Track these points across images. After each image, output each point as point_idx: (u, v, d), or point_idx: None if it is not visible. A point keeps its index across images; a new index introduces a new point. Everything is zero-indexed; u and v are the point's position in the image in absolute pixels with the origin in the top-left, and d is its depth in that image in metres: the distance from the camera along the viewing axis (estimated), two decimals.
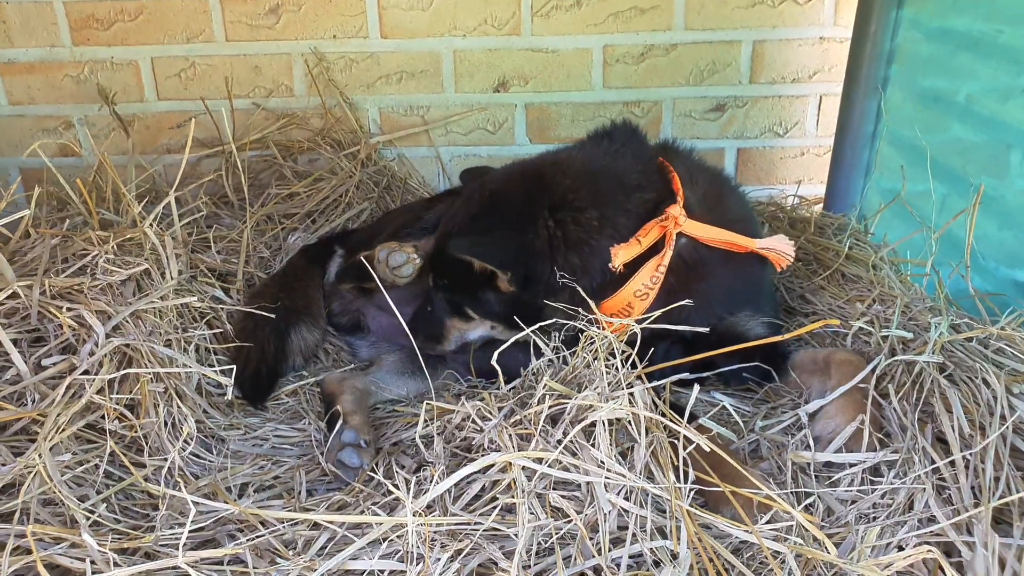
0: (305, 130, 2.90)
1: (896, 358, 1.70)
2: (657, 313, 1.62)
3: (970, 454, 1.41)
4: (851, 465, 1.53)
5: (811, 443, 1.59)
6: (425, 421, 1.62)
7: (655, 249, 1.82)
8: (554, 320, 1.67)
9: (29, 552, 1.31)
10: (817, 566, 1.28)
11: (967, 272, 1.95)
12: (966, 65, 2.27)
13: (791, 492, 1.50)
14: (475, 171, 2.29)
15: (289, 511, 1.47)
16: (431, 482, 1.48)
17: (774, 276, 2.17)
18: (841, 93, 2.74)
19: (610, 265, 1.78)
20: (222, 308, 2.06)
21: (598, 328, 1.61)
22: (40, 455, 1.40)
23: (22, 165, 2.96)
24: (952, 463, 1.43)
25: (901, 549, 1.31)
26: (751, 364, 1.85)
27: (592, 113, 2.94)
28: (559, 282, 1.80)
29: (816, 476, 1.56)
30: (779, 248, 1.90)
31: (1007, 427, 1.43)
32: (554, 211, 1.83)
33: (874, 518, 1.41)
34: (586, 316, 1.69)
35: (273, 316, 2.03)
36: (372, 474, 1.59)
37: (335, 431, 1.74)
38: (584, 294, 1.72)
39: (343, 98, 2.90)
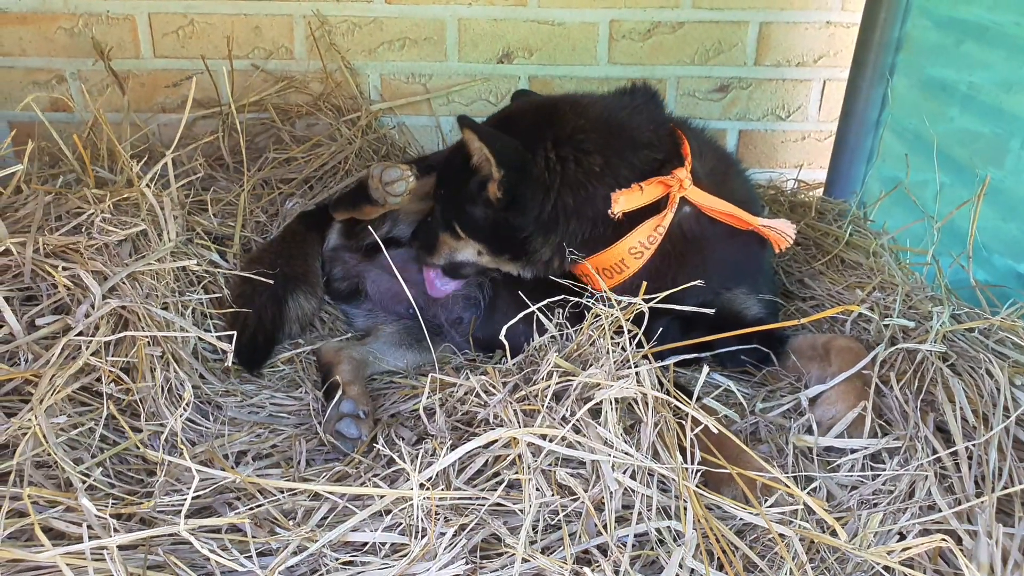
0: (304, 94, 2.84)
1: (898, 346, 1.71)
2: (665, 293, 1.60)
3: (973, 444, 1.42)
4: (852, 451, 1.54)
5: (814, 427, 1.59)
6: (426, 394, 1.61)
7: (656, 208, 1.80)
8: (563, 296, 1.65)
9: (23, 515, 1.29)
10: (821, 550, 1.28)
11: (969, 262, 1.95)
12: (974, 55, 2.26)
13: (792, 476, 1.51)
14: (527, 93, 2.28)
15: (289, 481, 1.46)
16: (432, 455, 1.47)
17: (773, 258, 2.16)
18: (847, 79, 2.72)
19: (610, 211, 1.75)
20: (220, 272, 2.02)
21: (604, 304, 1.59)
22: (35, 416, 1.37)
23: (11, 119, 2.88)
24: (954, 452, 1.44)
25: (902, 536, 1.32)
26: (749, 346, 1.83)
27: (596, 88, 2.90)
28: (552, 219, 1.79)
29: (816, 460, 1.56)
30: (780, 228, 1.89)
31: (1011, 419, 1.43)
32: (558, 145, 1.80)
33: (875, 504, 1.42)
34: (592, 291, 1.68)
35: (271, 282, 2.00)
36: (375, 444, 1.57)
37: (334, 401, 1.72)
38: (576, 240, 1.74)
39: (344, 63, 2.85)
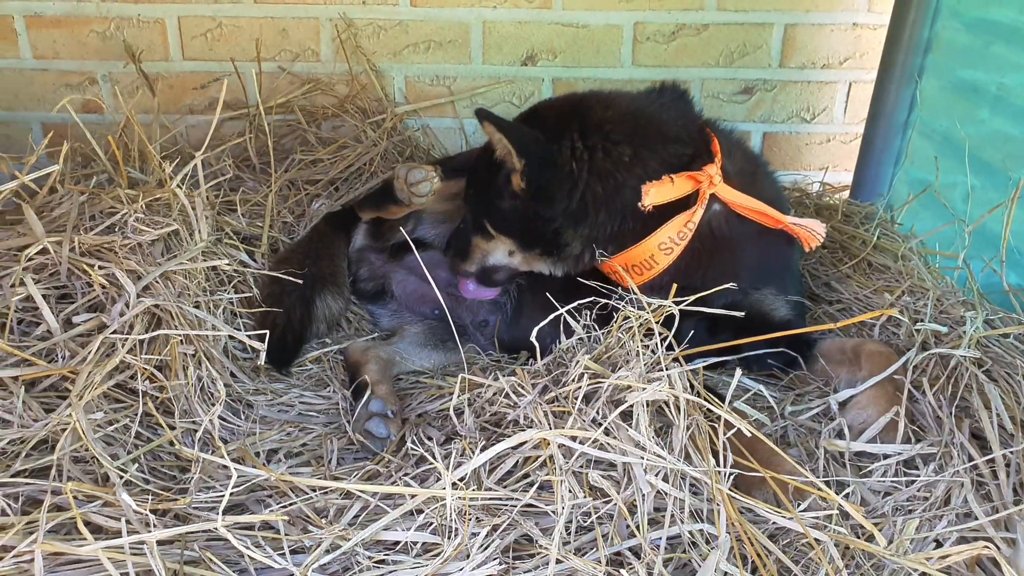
0: (330, 96, 2.86)
1: (931, 351, 1.69)
2: (696, 296, 1.60)
3: (1011, 451, 1.40)
4: (885, 456, 1.53)
5: (845, 431, 1.58)
6: (456, 394, 1.61)
7: (686, 204, 1.79)
8: (592, 298, 1.65)
9: (61, 509, 1.31)
10: (856, 556, 1.28)
11: (1002, 266, 1.93)
12: (1005, 56, 2.24)
13: (824, 480, 1.50)
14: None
15: (321, 479, 1.46)
16: (462, 455, 1.47)
17: (800, 259, 2.15)
18: (875, 80, 2.70)
19: (640, 204, 1.74)
20: (249, 272, 2.04)
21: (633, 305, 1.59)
22: (74, 412, 1.39)
23: (44, 120, 2.92)
24: (991, 459, 1.43)
25: (939, 543, 1.31)
26: (777, 350, 1.82)
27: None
28: (581, 210, 1.79)
29: (847, 465, 1.55)
30: (810, 226, 1.88)
31: None
32: (585, 134, 1.80)
33: (910, 511, 1.41)
34: (620, 292, 1.68)
35: (300, 282, 2.01)
36: (411, 445, 1.58)
37: (363, 401, 1.73)
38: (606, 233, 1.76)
39: (370, 65, 2.86)
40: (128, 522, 1.24)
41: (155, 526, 1.23)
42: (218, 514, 1.22)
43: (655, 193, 1.74)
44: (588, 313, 1.69)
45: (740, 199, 1.82)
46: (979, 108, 2.35)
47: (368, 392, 1.75)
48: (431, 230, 2.24)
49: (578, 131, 1.80)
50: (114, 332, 1.58)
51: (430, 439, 1.64)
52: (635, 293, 1.64)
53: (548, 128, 1.82)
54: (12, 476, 1.37)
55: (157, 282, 1.71)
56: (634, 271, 1.84)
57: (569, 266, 1.90)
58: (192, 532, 1.25)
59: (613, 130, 1.81)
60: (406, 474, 1.52)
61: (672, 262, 1.82)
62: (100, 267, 1.67)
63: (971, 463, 1.43)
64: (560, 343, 1.67)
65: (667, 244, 1.80)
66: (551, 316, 1.61)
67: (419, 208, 2.12)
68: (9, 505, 1.31)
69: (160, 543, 1.23)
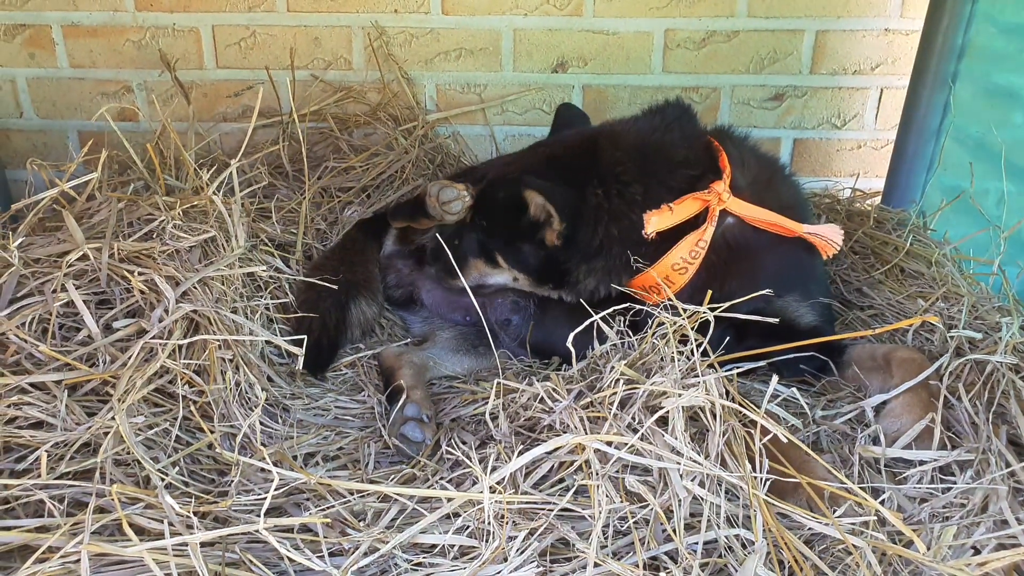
0: (362, 104, 2.89)
1: (966, 357, 1.68)
2: (730, 303, 1.60)
3: None
4: (921, 463, 1.52)
5: (881, 437, 1.57)
6: (492, 399, 1.62)
7: (696, 223, 1.80)
8: (627, 304, 1.66)
9: (104, 511, 1.33)
10: (894, 562, 1.27)
11: None
12: None
13: (859, 487, 1.49)
14: (571, 107, 2.32)
15: (359, 482, 1.48)
16: (497, 459, 1.48)
17: (827, 266, 2.14)
18: (907, 86, 2.69)
19: (643, 232, 1.76)
20: (284, 278, 2.07)
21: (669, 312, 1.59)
22: (117, 416, 1.41)
23: (80, 128, 2.98)
24: None
25: (976, 551, 1.30)
26: (807, 355, 1.82)
27: (650, 97, 2.91)
28: (597, 248, 1.82)
29: (883, 472, 1.54)
30: (827, 235, 1.88)
31: None
32: (603, 182, 1.83)
33: (947, 518, 1.39)
34: (646, 291, 1.68)
35: (335, 288, 2.03)
36: (446, 449, 1.59)
37: (398, 405, 1.75)
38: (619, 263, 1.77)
39: (401, 73, 2.89)
40: (171, 524, 1.26)
41: (197, 528, 1.25)
42: (259, 516, 1.24)
43: (657, 222, 1.76)
44: (622, 319, 1.69)
45: (752, 212, 1.83)
46: (1014, 112, 2.33)
47: (403, 397, 1.77)
48: None
49: (597, 178, 1.83)
50: (154, 337, 1.60)
51: (465, 443, 1.65)
52: (671, 298, 1.65)
53: (568, 178, 1.85)
54: (57, 478, 1.39)
55: (195, 288, 1.74)
56: (651, 291, 1.85)
57: (583, 297, 1.90)
58: (234, 534, 1.27)
59: (624, 171, 1.83)
60: (442, 478, 1.54)
61: (689, 280, 1.84)
62: (140, 273, 1.70)
63: (1008, 469, 1.41)
64: (593, 349, 1.67)
65: (680, 264, 1.82)
66: (585, 324, 1.61)
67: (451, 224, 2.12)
68: (55, 506, 1.33)
69: (202, 545, 1.24)
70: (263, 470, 1.48)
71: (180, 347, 1.64)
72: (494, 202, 1.94)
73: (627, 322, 1.70)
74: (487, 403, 1.62)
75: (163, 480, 1.39)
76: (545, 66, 2.90)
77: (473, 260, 2.02)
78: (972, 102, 2.50)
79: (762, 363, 1.83)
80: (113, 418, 1.41)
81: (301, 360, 1.72)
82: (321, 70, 2.91)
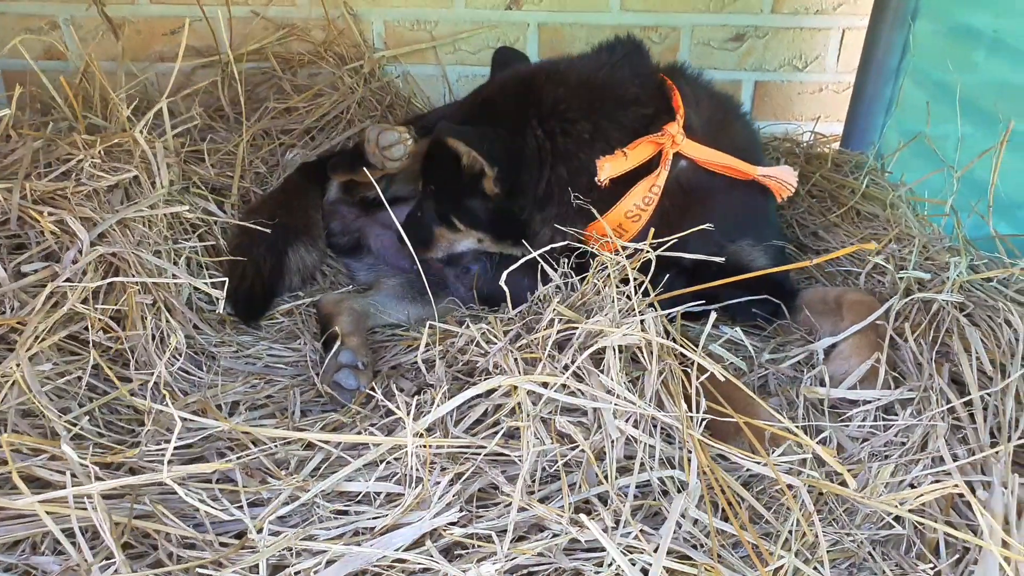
0: (306, 42, 2.76)
1: (913, 297, 1.64)
2: (672, 239, 1.54)
3: (989, 393, 1.36)
4: (865, 403, 1.48)
5: (826, 379, 1.53)
6: (427, 344, 1.56)
7: (649, 168, 1.74)
8: (566, 243, 1.59)
9: (4, 463, 1.25)
10: (829, 501, 1.23)
11: (989, 212, 1.87)
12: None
13: (801, 427, 1.46)
14: (509, 51, 2.20)
15: (282, 429, 1.41)
16: (432, 405, 1.43)
17: (781, 209, 2.09)
18: (867, 25, 2.61)
19: (596, 179, 1.69)
20: (216, 221, 1.97)
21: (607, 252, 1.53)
22: (18, 364, 1.33)
23: (3, 66, 2.82)
24: (969, 403, 1.38)
25: (914, 487, 1.27)
26: (759, 297, 1.78)
27: (608, 36, 2.80)
28: (547, 194, 1.75)
29: (827, 413, 1.51)
30: (781, 177, 1.83)
31: None
32: (543, 121, 1.75)
33: (887, 456, 1.36)
34: (597, 238, 1.62)
35: (270, 232, 1.94)
36: (371, 394, 1.53)
37: (332, 352, 1.68)
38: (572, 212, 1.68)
39: (347, 9, 2.76)
40: (73, 475, 1.18)
41: (100, 478, 1.18)
42: (166, 466, 1.17)
43: (611, 168, 1.68)
44: (567, 261, 1.63)
45: (706, 155, 1.76)
46: (974, 52, 2.26)
47: (338, 343, 1.70)
48: (406, 187, 2.17)
49: (536, 118, 1.75)
50: (66, 281, 1.51)
51: (401, 390, 1.59)
52: (611, 238, 1.58)
53: (505, 120, 1.77)
54: None
55: (114, 230, 1.65)
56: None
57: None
58: (140, 485, 1.20)
59: (569, 108, 1.75)
60: (373, 424, 1.48)
61: (642, 227, 1.77)
62: (50, 213, 1.60)
63: (948, 406, 1.38)
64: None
65: (634, 212, 1.74)
66: (523, 259, 1.54)
67: (393, 172, 2.03)
68: None
69: (108, 497, 1.18)
70: (184, 419, 1.41)
71: (95, 292, 1.55)
72: (434, 161, 1.86)
73: (572, 264, 1.64)
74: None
75: (69, 430, 1.31)
76: (499, 2, 2.78)
77: (437, 229, 1.96)
78: (932, 41, 2.43)
79: (714, 306, 1.79)
80: (15, 366, 1.32)
81: (221, 304, 1.64)
82: (262, 6, 2.77)
